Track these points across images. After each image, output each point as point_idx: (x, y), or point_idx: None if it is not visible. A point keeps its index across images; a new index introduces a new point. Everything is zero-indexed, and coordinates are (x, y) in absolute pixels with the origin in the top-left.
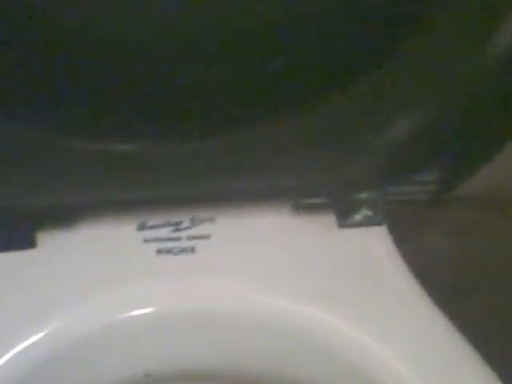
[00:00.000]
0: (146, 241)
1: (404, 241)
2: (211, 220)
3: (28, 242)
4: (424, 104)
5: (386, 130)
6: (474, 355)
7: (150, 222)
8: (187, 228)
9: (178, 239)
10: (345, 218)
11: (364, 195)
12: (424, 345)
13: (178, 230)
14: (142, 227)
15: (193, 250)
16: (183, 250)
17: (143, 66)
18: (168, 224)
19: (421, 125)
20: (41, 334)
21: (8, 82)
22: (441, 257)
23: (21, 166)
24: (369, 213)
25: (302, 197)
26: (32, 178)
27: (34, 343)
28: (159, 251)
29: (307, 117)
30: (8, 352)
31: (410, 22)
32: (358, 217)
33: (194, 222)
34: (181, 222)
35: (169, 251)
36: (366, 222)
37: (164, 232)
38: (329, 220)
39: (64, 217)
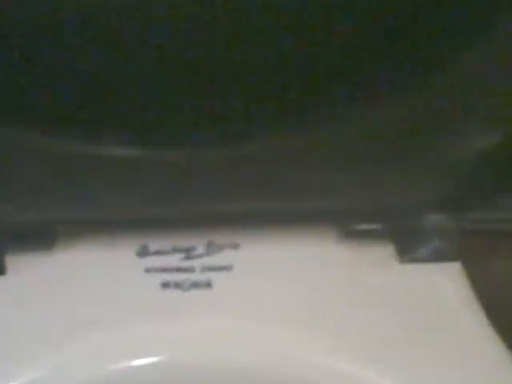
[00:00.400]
0: (147, 270)
1: (474, 274)
2: (233, 247)
3: None
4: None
5: (461, 142)
6: None
7: (154, 247)
8: (202, 256)
9: (189, 270)
10: (407, 250)
11: (432, 222)
12: None
13: (189, 257)
14: (143, 253)
15: (208, 284)
16: (196, 285)
17: (137, 67)
18: (177, 250)
19: (502, 141)
20: None
21: None
22: None
23: None
24: (439, 245)
25: (351, 221)
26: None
27: None
28: (165, 285)
29: (359, 124)
30: None
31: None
32: (424, 250)
33: (210, 249)
34: (194, 248)
35: (177, 285)
36: (436, 257)
37: (172, 260)
38: (386, 252)
39: (42, 237)
